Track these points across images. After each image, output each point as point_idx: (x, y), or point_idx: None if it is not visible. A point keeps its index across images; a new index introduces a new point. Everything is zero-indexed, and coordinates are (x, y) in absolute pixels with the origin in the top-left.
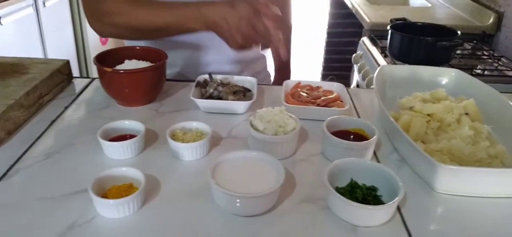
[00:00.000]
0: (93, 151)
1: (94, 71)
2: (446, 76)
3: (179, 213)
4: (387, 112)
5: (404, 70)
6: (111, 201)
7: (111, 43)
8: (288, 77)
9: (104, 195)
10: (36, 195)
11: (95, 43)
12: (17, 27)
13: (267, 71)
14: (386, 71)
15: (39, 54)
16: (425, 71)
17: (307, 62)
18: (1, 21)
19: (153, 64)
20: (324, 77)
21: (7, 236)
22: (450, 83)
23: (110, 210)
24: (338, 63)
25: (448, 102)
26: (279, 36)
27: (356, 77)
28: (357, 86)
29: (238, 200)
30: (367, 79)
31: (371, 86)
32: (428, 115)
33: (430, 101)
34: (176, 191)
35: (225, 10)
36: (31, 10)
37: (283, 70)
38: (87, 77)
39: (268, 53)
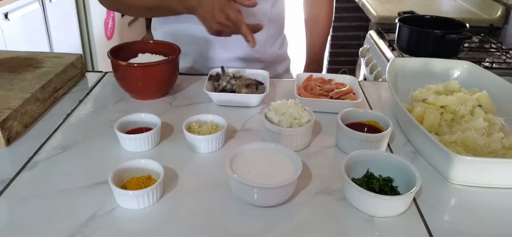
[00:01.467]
0: (109, 143)
1: (100, 65)
2: (458, 68)
3: (197, 204)
4: (401, 104)
5: (416, 62)
6: (130, 192)
7: (116, 37)
8: (320, 71)
9: (123, 187)
10: (56, 187)
11: (100, 38)
12: (24, 22)
13: (290, 73)
14: (398, 64)
15: (45, 49)
16: (437, 64)
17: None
18: (8, 17)
19: (167, 57)
20: (329, 71)
21: (30, 227)
22: (462, 76)
23: (130, 201)
24: (343, 57)
25: (462, 94)
26: (245, 26)
27: (363, 71)
28: (365, 79)
29: (255, 191)
30: (374, 72)
31: (380, 79)
32: (442, 107)
33: (443, 93)
34: (193, 182)
35: None
36: (37, 5)
37: (317, 63)
38: (93, 70)
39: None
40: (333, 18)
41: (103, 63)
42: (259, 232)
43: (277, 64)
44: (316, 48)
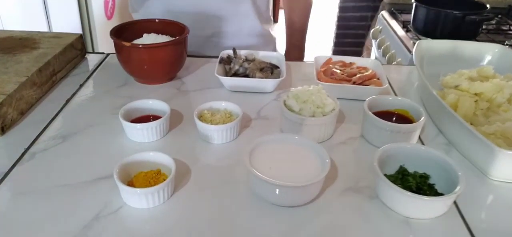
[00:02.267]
0: (113, 132)
1: (100, 45)
2: (489, 52)
3: (213, 202)
4: (433, 91)
5: (443, 45)
6: (138, 190)
7: (116, 17)
8: (300, 59)
9: (130, 182)
10: (55, 182)
11: (100, 17)
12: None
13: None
14: (423, 46)
15: (43, 27)
16: (466, 47)
17: (318, 38)
18: None
19: (174, 38)
20: (336, 52)
21: (27, 228)
22: (494, 60)
23: (138, 200)
24: (350, 39)
25: (497, 81)
26: None
27: (374, 53)
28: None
29: (278, 190)
30: (388, 55)
31: (394, 62)
32: (476, 94)
33: (477, 79)
34: (207, 177)
35: None
36: None
37: (295, 50)
38: (93, 51)
39: (278, 33)
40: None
41: (104, 43)
42: (283, 234)
43: (262, 43)
44: (296, 32)
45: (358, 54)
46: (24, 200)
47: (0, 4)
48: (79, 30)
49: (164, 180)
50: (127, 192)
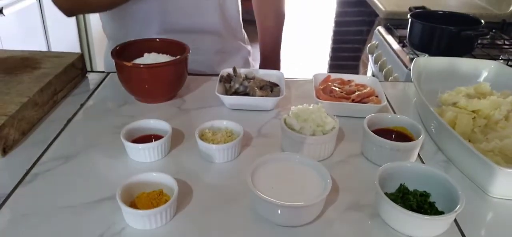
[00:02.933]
0: (115, 152)
1: (98, 64)
2: (485, 68)
3: (215, 222)
4: (432, 109)
5: (440, 62)
6: (141, 212)
7: None
8: (277, 69)
9: (132, 203)
10: (58, 204)
11: (99, 35)
12: (20, 18)
13: (250, 63)
14: (421, 64)
15: (42, 46)
16: (463, 63)
17: (314, 52)
18: (4, 12)
19: (175, 57)
20: (332, 67)
21: None
22: (490, 76)
23: (141, 221)
24: (346, 53)
25: (495, 98)
26: None
27: (370, 68)
28: (373, 75)
29: (280, 210)
30: (384, 70)
31: (391, 78)
32: (474, 111)
33: (475, 96)
34: (209, 197)
35: None
36: (33, 0)
37: (270, 61)
38: (92, 69)
39: (250, 45)
40: (284, 12)
41: (102, 61)
42: None
43: (236, 54)
44: (268, 42)
45: (355, 68)
46: (26, 222)
47: (0, 22)
48: (77, 49)
49: (167, 200)
50: (130, 214)
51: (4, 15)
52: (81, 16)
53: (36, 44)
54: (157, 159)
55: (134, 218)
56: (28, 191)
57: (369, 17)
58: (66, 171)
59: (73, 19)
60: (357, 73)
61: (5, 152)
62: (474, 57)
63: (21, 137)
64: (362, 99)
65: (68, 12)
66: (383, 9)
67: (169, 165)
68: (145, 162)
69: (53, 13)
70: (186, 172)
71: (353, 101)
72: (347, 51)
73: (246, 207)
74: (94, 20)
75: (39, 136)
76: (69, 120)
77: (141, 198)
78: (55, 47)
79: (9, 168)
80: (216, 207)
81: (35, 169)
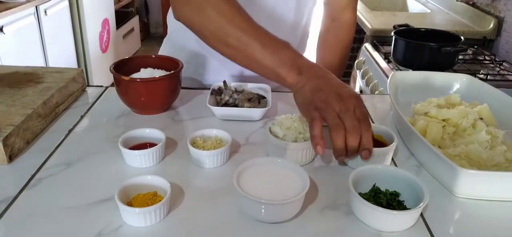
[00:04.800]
0: (113, 159)
1: (95, 79)
2: (457, 81)
3: (204, 220)
4: (405, 118)
5: (416, 76)
6: (137, 209)
7: (111, 51)
8: None
9: (129, 204)
10: (61, 204)
11: (95, 52)
12: (19, 35)
13: None
14: (398, 77)
15: (40, 63)
16: (437, 77)
17: None
18: (4, 30)
19: (169, 72)
20: None
21: None
22: (462, 89)
23: (137, 219)
24: None
25: (463, 107)
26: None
27: (359, 83)
28: (361, 92)
29: (264, 207)
30: (371, 84)
31: (376, 92)
32: (444, 120)
33: (445, 106)
34: (199, 198)
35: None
36: (32, 18)
37: None
38: (88, 84)
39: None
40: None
41: (98, 76)
42: None
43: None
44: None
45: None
46: (32, 221)
47: (0, 40)
48: (74, 64)
49: (160, 201)
50: (127, 211)
51: (4, 33)
52: (78, 33)
53: (35, 61)
54: (152, 164)
55: (130, 216)
56: (33, 194)
57: (359, 35)
58: (68, 176)
59: (70, 35)
60: None
61: (11, 159)
62: (455, 71)
63: (25, 145)
64: None
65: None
66: (369, 27)
67: (163, 170)
68: (141, 167)
69: (51, 31)
70: (178, 176)
71: None
72: None
73: (233, 207)
74: (91, 36)
75: (42, 144)
76: (70, 130)
77: (137, 199)
78: (53, 64)
79: (15, 174)
80: (205, 207)
81: (39, 174)
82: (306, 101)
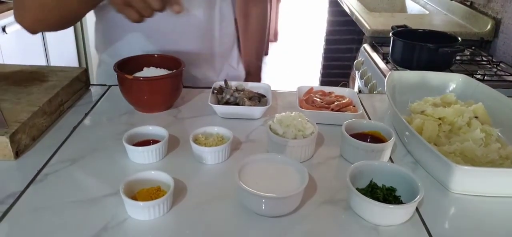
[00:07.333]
0: (117, 155)
1: (95, 77)
2: (453, 81)
3: (206, 214)
4: (401, 117)
5: (413, 75)
6: (141, 203)
7: None
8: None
9: (134, 198)
10: (66, 199)
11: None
12: (21, 36)
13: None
14: (395, 77)
15: (42, 62)
16: (433, 77)
17: (306, 69)
18: (6, 30)
19: (171, 71)
20: (323, 83)
21: None
22: (458, 88)
23: (141, 212)
24: (336, 70)
25: (458, 106)
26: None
27: (357, 83)
28: (359, 91)
29: (264, 201)
30: (369, 84)
31: (375, 91)
32: (439, 118)
33: (441, 105)
34: (202, 193)
35: None
36: None
37: (251, 76)
38: (90, 83)
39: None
40: (268, 22)
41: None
42: None
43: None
44: (249, 56)
45: (345, 85)
46: (39, 215)
47: (2, 39)
48: (76, 63)
49: (164, 195)
50: (131, 205)
51: (6, 33)
52: (79, 33)
53: (36, 60)
54: (155, 161)
55: (135, 209)
56: (39, 188)
57: (359, 36)
58: (73, 171)
59: (72, 36)
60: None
61: (17, 155)
62: (453, 72)
63: (31, 142)
64: (341, 109)
65: (31, 29)
66: (368, 27)
67: (166, 166)
68: (144, 163)
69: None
70: (181, 172)
71: (332, 110)
72: (337, 68)
73: (234, 201)
74: (92, 36)
75: (48, 141)
76: (75, 127)
77: (141, 193)
78: (54, 63)
79: (22, 169)
80: (207, 202)
81: (45, 170)
82: None
